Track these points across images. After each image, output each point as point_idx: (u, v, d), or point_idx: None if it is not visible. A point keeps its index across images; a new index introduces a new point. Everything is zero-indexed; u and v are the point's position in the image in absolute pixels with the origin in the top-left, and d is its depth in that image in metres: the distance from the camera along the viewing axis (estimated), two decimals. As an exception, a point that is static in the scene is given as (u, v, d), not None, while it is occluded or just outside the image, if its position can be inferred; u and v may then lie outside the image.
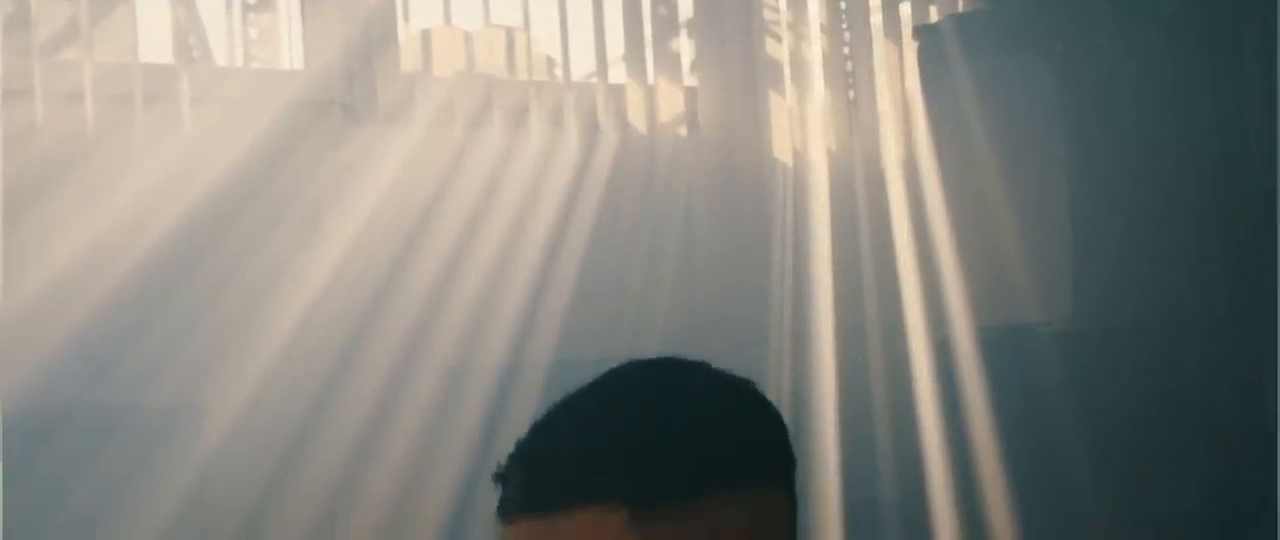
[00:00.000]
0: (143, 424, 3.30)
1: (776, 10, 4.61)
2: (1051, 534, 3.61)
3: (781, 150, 4.51)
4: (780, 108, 4.57)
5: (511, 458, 0.98)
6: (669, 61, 4.44)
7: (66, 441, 3.20)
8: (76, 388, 3.26)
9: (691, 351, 1.05)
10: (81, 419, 3.23)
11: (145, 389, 3.32)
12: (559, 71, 4.25)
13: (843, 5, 4.65)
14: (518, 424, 3.04)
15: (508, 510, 0.96)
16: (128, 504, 3.21)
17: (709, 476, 0.93)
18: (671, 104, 4.40)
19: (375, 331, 3.65)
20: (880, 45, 4.63)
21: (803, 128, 4.55)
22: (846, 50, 4.69)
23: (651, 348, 3.70)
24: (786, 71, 4.60)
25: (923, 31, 4.45)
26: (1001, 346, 3.90)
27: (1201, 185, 3.92)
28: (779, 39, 4.63)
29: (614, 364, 1.03)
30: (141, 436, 3.28)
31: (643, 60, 4.38)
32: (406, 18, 4.03)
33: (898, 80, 4.57)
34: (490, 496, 2.93)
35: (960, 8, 4.57)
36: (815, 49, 4.62)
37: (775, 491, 0.98)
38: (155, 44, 3.75)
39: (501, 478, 0.98)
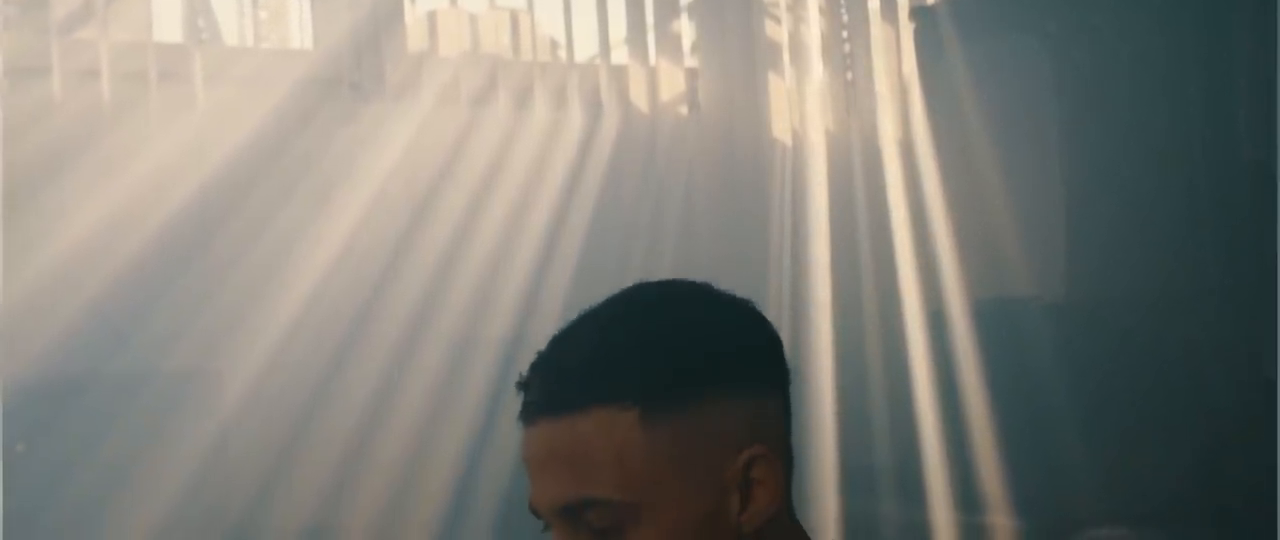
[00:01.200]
0: (161, 389, 3.40)
1: (776, -7, 4.70)
2: (1043, 500, 3.69)
3: (780, 130, 4.60)
4: (779, 88, 4.65)
5: (533, 367, 1.07)
6: (670, 43, 4.52)
7: (88, 404, 3.31)
8: (97, 355, 3.35)
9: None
10: (102, 384, 3.33)
11: (162, 356, 3.42)
12: (562, 52, 4.34)
13: (841, -12, 4.73)
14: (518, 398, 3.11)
15: (530, 412, 1.05)
16: (147, 464, 3.31)
17: (712, 380, 1.03)
18: (673, 84, 4.48)
19: (383, 303, 3.74)
20: (877, 27, 4.70)
21: (801, 108, 4.62)
22: (845, 32, 4.76)
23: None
24: (785, 53, 4.68)
25: (919, 14, 4.52)
26: (995, 318, 3.98)
27: (1192, 162, 3.99)
28: (778, 21, 4.70)
29: None
30: (160, 401, 3.38)
31: (645, 42, 4.46)
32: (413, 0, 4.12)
33: (895, 62, 4.64)
34: (495, 468, 3.02)
35: (956, -10, 4.63)
36: (814, 31, 4.70)
37: (772, 397, 1.07)
38: (168, 24, 3.85)
39: (524, 385, 1.06)
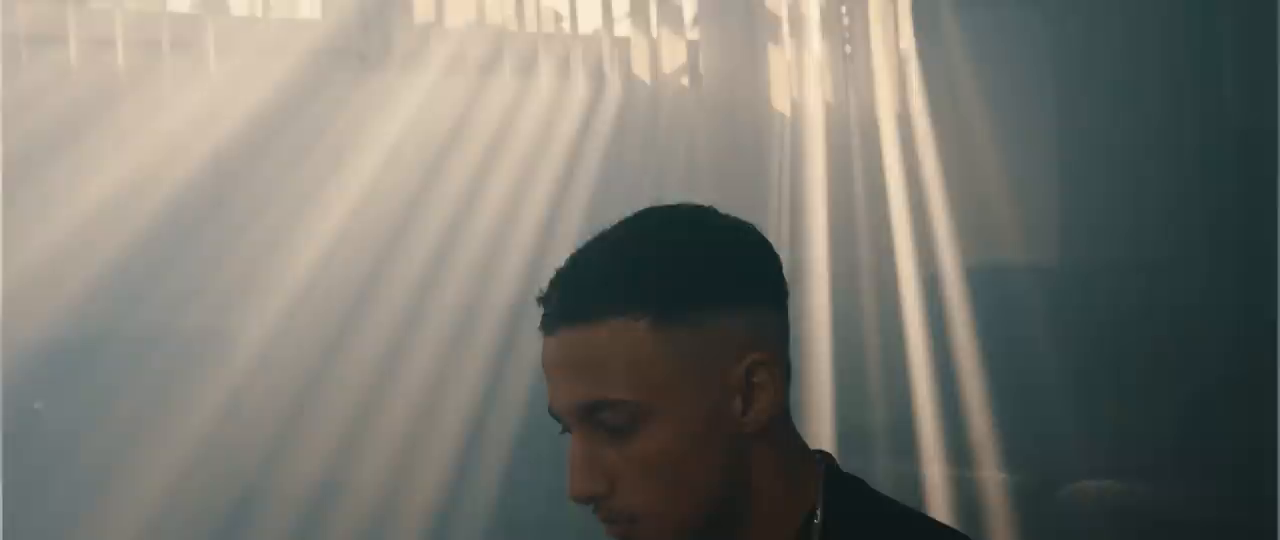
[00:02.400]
0: (175, 347, 3.50)
1: (776, -34, 4.76)
2: (1033, 455, 3.79)
3: (779, 101, 4.67)
4: (779, 60, 4.72)
5: (552, 282, 1.16)
6: (672, 15, 4.58)
7: (105, 362, 3.41)
8: (113, 314, 3.46)
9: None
10: (118, 342, 3.44)
11: (177, 315, 3.53)
12: (566, 24, 4.41)
13: (839, -39, 4.79)
14: (528, 357, 3.21)
15: (550, 324, 1.15)
16: (162, 419, 3.42)
17: (717, 292, 1.13)
18: (674, 56, 4.55)
19: (392, 267, 3.83)
20: (875, 1, 4.76)
21: (800, 79, 4.69)
22: (843, 6, 4.82)
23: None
24: (785, 25, 4.74)
25: (917, -14, 4.59)
26: (989, 282, 4.08)
27: (1183, 131, 4.07)
28: (778, -7, 4.77)
29: None
30: (174, 359, 3.49)
31: (647, 14, 4.53)
32: (420, -29, 4.19)
33: (892, 33, 4.71)
34: (501, 426, 3.12)
35: (952, -38, 4.70)
36: (813, 3, 4.76)
37: (772, 310, 1.17)
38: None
39: (544, 299, 1.16)
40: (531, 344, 3.87)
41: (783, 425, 1.18)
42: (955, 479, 3.83)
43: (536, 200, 4.12)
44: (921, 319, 4.14)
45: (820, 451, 1.24)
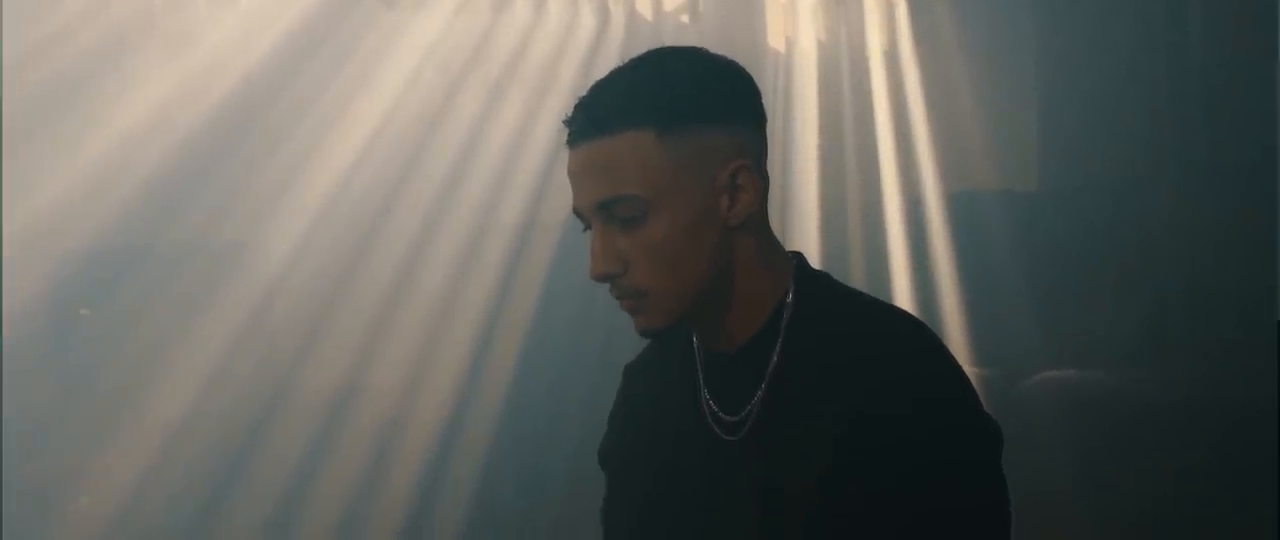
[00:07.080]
0: (210, 259, 3.76)
1: (772, -90, 4.95)
2: (1004, 352, 4.02)
3: (775, 38, 4.89)
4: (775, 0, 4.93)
5: (576, 106, 1.41)
6: (673, -44, 4.79)
7: (146, 272, 3.67)
8: (152, 227, 3.71)
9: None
10: (158, 254, 3.70)
11: (211, 229, 3.79)
12: (573, -38, 4.62)
13: (833, -94, 4.98)
14: (536, 274, 3.47)
15: (574, 138, 1.40)
16: (198, 326, 3.68)
17: (709, 110, 1.38)
18: (675, -6, 4.77)
19: (410, 187, 4.07)
20: (867, -57, 4.95)
21: (794, 18, 4.90)
22: (837, -51, 5.01)
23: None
24: (781, -34, 4.95)
25: (906, -70, 4.77)
26: (969, 207, 4.31)
27: (1153, 66, 4.27)
28: (774, -64, 4.96)
29: None
30: (209, 270, 3.74)
31: (650, -46, 4.74)
32: (434, -88, 4.39)
33: (883, -25, 4.91)
34: (510, 340, 3.35)
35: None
36: (807, -55, 4.96)
37: (753, 130, 1.42)
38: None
39: (570, 120, 1.41)
40: (539, 260, 4.10)
41: (761, 226, 1.42)
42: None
43: (542, 129, 4.34)
44: (904, 238, 4.38)
45: (794, 251, 1.47)
